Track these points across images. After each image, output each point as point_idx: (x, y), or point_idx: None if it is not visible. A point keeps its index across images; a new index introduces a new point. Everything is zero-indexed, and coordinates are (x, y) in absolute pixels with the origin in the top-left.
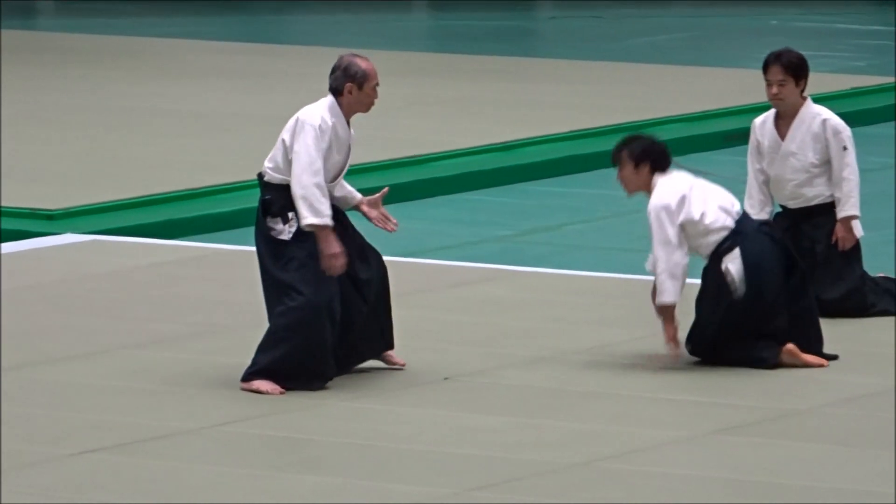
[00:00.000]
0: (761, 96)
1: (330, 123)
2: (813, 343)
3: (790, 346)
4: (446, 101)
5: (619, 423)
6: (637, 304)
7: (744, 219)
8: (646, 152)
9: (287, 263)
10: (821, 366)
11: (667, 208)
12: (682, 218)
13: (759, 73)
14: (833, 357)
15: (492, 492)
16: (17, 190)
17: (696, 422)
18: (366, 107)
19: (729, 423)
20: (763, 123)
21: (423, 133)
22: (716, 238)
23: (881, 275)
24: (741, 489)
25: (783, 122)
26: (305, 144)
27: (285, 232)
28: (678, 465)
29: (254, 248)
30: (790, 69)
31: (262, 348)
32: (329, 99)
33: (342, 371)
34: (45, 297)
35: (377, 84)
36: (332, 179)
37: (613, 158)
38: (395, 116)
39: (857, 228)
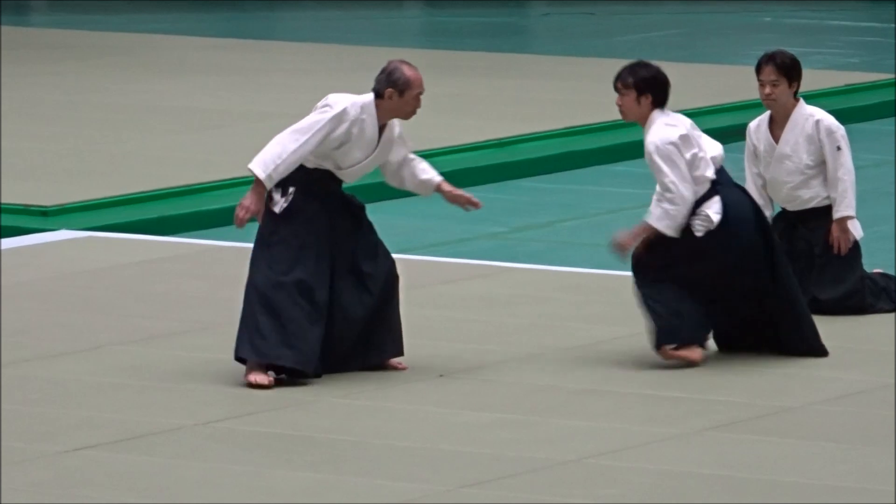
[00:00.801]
0: (754, 93)
1: (355, 116)
2: (794, 337)
3: (666, 349)
4: (439, 98)
5: (611, 420)
6: (629, 301)
7: (723, 171)
8: (650, 83)
9: (270, 237)
10: (690, 360)
11: (676, 144)
12: (687, 156)
13: (752, 69)
14: (822, 353)
15: (485, 489)
16: (11, 186)
17: (689, 419)
18: (405, 114)
19: (722, 419)
20: (757, 127)
21: (416, 129)
22: (700, 189)
23: (878, 271)
24: (734, 486)
25: (777, 125)
26: (311, 118)
27: (279, 204)
28: (671, 461)
29: (245, 245)
30: (783, 70)
31: (240, 325)
32: (370, 97)
33: (346, 366)
34: (40, 293)
35: (420, 93)
36: (351, 179)
37: (617, 83)
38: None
39: (856, 229)
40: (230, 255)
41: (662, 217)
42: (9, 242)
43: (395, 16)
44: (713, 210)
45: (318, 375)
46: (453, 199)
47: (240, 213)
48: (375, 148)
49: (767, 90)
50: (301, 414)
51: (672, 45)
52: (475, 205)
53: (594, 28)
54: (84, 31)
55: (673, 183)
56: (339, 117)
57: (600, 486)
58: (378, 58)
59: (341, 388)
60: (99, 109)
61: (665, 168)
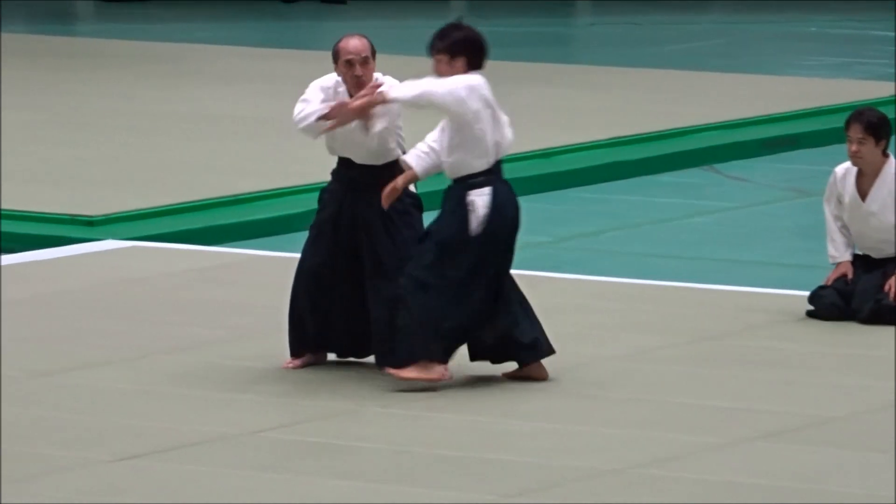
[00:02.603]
0: (799, 103)
1: (331, 90)
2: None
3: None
4: None
5: (654, 429)
6: (674, 311)
7: (499, 164)
8: (463, 45)
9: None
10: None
11: (473, 88)
12: (474, 107)
13: (798, 79)
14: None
15: (528, 497)
16: (57, 195)
17: (732, 428)
18: (353, 83)
19: (765, 429)
20: (844, 177)
21: None
22: (478, 165)
23: None
24: (777, 496)
25: (864, 180)
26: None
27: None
28: (714, 471)
29: (287, 254)
30: (870, 129)
31: None
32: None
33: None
34: (84, 302)
35: (349, 60)
36: (347, 152)
37: (430, 51)
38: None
39: None
40: (273, 264)
41: (410, 158)
42: (54, 252)
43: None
44: (481, 202)
45: (341, 356)
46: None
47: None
48: (354, 127)
49: (854, 147)
50: (345, 423)
51: (717, 55)
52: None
53: (639, 38)
54: (129, 41)
55: (442, 93)
56: (323, 87)
57: (644, 496)
58: (420, 68)
59: (384, 397)
60: (143, 118)
61: (447, 87)
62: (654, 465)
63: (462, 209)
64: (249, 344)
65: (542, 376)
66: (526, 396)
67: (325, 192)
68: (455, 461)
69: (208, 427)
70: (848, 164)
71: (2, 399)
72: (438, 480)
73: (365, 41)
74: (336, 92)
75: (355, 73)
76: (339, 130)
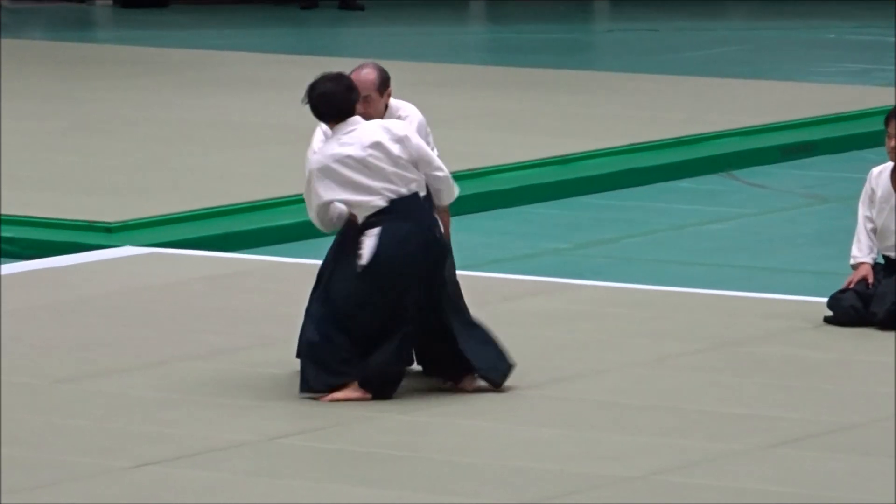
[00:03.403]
0: (818, 110)
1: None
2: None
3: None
4: (502, 114)
5: (676, 437)
6: (694, 318)
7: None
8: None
9: None
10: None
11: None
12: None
13: (817, 85)
14: (494, 383)
15: None
16: (75, 202)
17: (754, 435)
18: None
19: (786, 436)
20: (879, 174)
21: (480, 146)
22: (377, 204)
23: None
24: (797, 503)
25: None
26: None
27: None
28: (736, 478)
29: (309, 261)
30: None
31: None
32: None
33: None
34: (103, 309)
35: (362, 94)
36: None
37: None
38: (451, 129)
39: None
40: (293, 271)
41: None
42: (73, 259)
43: (459, 32)
44: (370, 242)
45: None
46: None
47: None
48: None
49: (893, 143)
50: (364, 430)
51: (736, 62)
52: None
53: (658, 44)
54: (147, 47)
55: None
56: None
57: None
58: (441, 74)
59: (404, 404)
60: (163, 125)
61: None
62: (675, 472)
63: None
64: (269, 351)
65: (471, 387)
66: (545, 403)
67: None
68: (473, 468)
69: (227, 434)
70: (883, 165)
71: (23, 407)
72: (457, 488)
73: (370, 76)
74: None
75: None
76: None
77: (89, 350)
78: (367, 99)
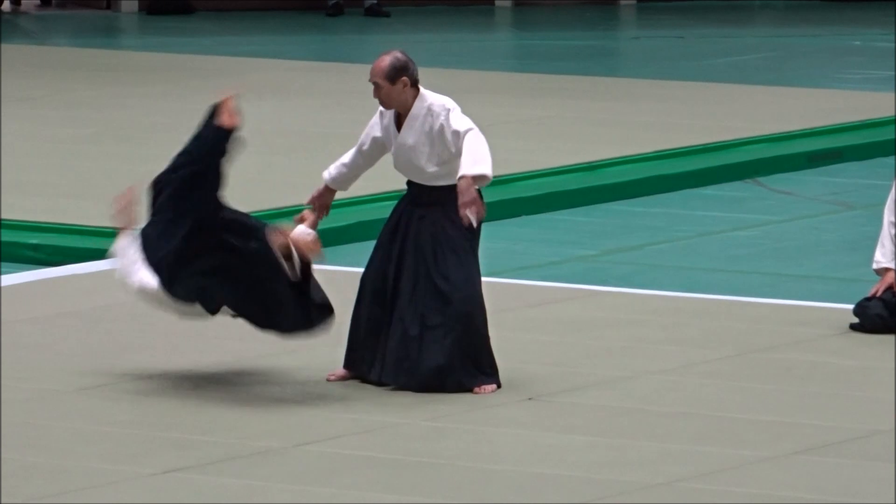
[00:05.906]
0: (844, 116)
1: (382, 112)
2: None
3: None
4: (528, 121)
5: (701, 443)
6: (720, 324)
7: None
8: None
9: None
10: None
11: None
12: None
13: (843, 92)
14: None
15: None
16: (103, 209)
17: (780, 442)
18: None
19: (812, 443)
20: None
21: (506, 152)
22: None
23: None
24: None
25: None
26: None
27: None
28: (762, 485)
29: (337, 267)
30: None
31: None
32: None
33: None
34: (129, 315)
35: (369, 79)
36: (400, 168)
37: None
38: None
39: None
40: (322, 277)
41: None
42: (99, 265)
43: (486, 38)
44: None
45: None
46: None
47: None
48: (396, 136)
49: None
50: (390, 437)
51: (762, 69)
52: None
53: (684, 51)
54: (175, 54)
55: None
56: (376, 118)
57: None
58: (468, 81)
59: (430, 411)
60: (190, 132)
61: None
62: (700, 479)
63: None
64: (296, 357)
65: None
66: (572, 410)
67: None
68: (500, 475)
69: (253, 441)
70: None
71: (49, 414)
72: (483, 494)
73: (381, 63)
74: (388, 115)
75: (375, 96)
76: (397, 155)
77: (115, 357)
78: (375, 87)
